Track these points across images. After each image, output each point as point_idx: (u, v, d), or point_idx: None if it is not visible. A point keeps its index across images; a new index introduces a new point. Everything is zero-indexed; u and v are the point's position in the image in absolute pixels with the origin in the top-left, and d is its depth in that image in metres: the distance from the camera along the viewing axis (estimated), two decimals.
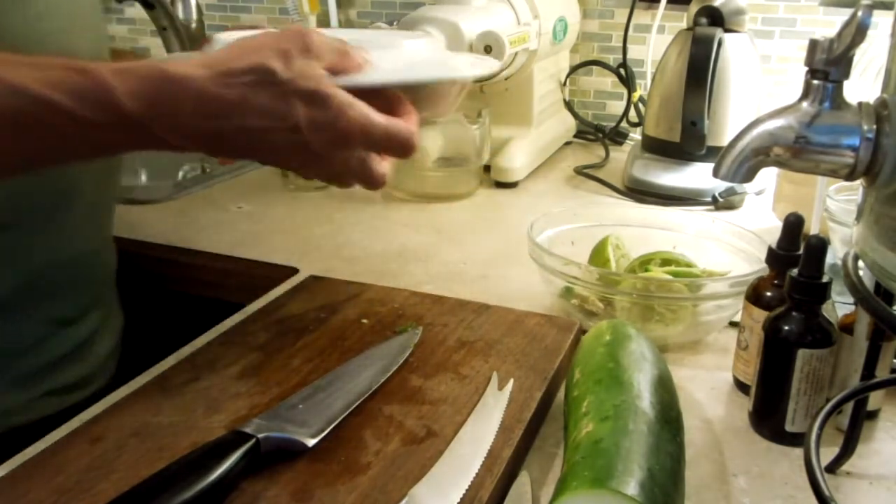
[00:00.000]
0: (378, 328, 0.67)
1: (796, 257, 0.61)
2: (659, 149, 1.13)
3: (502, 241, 0.95)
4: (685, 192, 1.09)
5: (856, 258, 0.49)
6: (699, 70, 1.05)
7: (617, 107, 1.40)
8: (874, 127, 0.44)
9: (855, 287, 0.47)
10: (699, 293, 0.68)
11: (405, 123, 0.54)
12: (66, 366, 0.72)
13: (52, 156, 0.53)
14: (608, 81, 1.40)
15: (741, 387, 0.65)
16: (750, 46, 1.11)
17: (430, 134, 1.11)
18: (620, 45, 1.33)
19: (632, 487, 0.42)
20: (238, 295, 0.86)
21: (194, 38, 1.52)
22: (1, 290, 0.65)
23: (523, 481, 0.52)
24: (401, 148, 0.55)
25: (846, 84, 0.46)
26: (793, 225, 0.62)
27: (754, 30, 1.27)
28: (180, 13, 1.49)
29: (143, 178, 1.47)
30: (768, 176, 1.08)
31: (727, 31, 1.08)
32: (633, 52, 1.34)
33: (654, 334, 0.68)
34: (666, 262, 0.76)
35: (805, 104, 0.46)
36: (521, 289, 0.82)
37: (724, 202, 1.07)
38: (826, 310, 0.57)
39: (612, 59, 1.37)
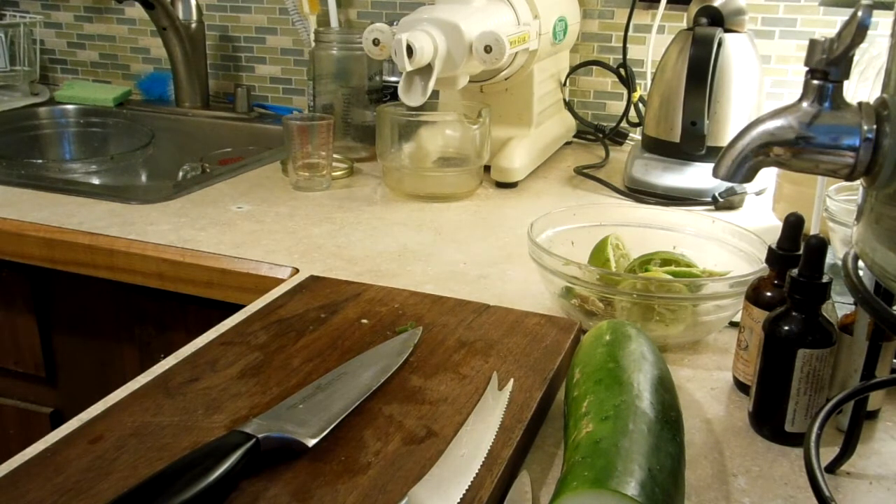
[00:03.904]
0: (378, 328, 0.67)
1: (796, 257, 0.61)
2: (659, 149, 1.13)
3: (502, 240, 0.95)
4: (685, 192, 1.09)
5: (856, 258, 0.49)
6: (699, 70, 1.05)
7: (617, 107, 1.40)
8: (874, 127, 0.44)
9: (855, 287, 0.47)
10: (699, 293, 0.68)
11: None
12: None
13: None
14: (608, 81, 1.40)
15: (741, 387, 0.65)
16: (750, 46, 1.11)
17: (430, 134, 1.11)
18: (620, 45, 1.33)
19: (632, 487, 0.42)
20: (238, 295, 0.86)
21: (194, 38, 1.52)
22: None
23: (523, 481, 0.52)
24: None
25: (846, 84, 0.46)
26: (793, 225, 0.62)
27: (754, 30, 1.26)
28: (180, 13, 1.50)
29: (143, 178, 1.47)
30: (768, 176, 1.08)
31: (727, 31, 1.08)
32: (633, 52, 1.34)
33: (654, 334, 0.68)
34: (666, 262, 0.76)
35: (805, 104, 0.46)
36: (521, 289, 0.82)
37: (724, 202, 1.07)
38: (826, 310, 0.57)
39: (612, 59, 1.37)
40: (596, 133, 1.37)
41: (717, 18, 1.09)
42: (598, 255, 0.76)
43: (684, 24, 1.15)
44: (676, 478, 0.46)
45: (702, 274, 0.73)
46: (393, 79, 1.30)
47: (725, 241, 0.78)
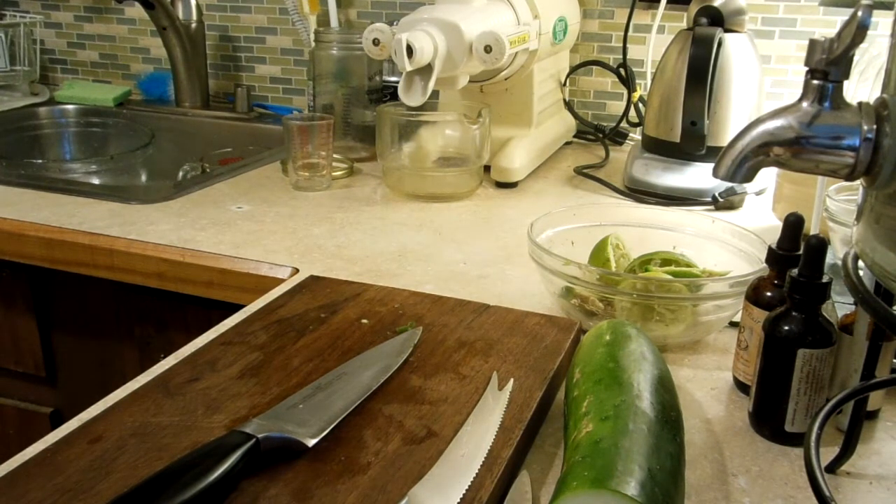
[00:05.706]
0: (378, 328, 0.67)
1: (796, 257, 0.61)
2: (659, 149, 1.13)
3: (502, 240, 0.95)
4: (685, 192, 1.09)
5: (856, 258, 0.49)
6: (699, 70, 1.05)
7: (617, 107, 1.40)
8: (874, 127, 0.44)
9: (855, 287, 0.47)
10: (699, 293, 0.68)
11: None
12: None
13: None
14: (608, 81, 1.40)
15: (741, 387, 0.65)
16: (750, 46, 1.11)
17: (430, 134, 1.11)
18: (620, 45, 1.33)
19: (632, 487, 0.42)
20: (238, 295, 0.86)
21: (194, 38, 1.52)
22: None
23: (523, 481, 0.52)
24: None
25: (846, 84, 0.46)
26: (793, 225, 0.62)
27: (754, 30, 1.26)
28: (180, 13, 1.50)
29: (143, 178, 1.47)
30: (768, 176, 1.08)
31: (727, 31, 1.08)
32: (633, 52, 1.34)
33: (654, 334, 0.68)
34: (666, 262, 0.76)
35: (805, 104, 0.46)
36: (521, 289, 0.82)
37: (724, 202, 1.07)
38: (826, 310, 0.57)
39: (612, 59, 1.37)
40: (596, 133, 1.37)
41: (717, 18, 1.09)
42: (598, 255, 0.76)
43: (684, 24, 1.15)
44: (676, 478, 0.46)
45: (702, 274, 0.73)
46: (393, 79, 1.30)
47: (725, 241, 0.78)
